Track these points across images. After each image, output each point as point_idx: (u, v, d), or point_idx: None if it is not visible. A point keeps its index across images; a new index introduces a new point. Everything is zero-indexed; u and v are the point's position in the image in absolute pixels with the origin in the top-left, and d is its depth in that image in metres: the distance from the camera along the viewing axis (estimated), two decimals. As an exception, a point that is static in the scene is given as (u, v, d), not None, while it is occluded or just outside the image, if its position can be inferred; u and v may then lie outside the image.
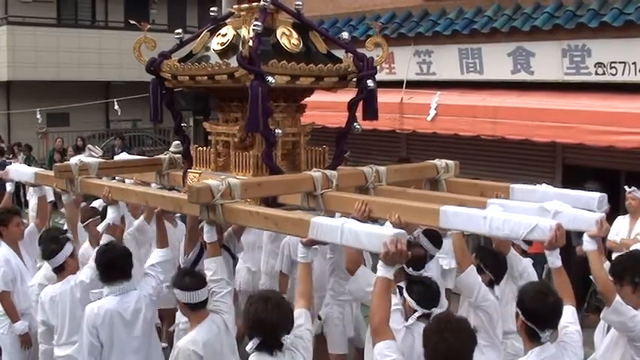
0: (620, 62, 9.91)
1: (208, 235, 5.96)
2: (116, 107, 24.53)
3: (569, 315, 5.06)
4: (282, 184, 6.03)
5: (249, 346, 4.82)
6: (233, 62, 5.91)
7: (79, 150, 20.99)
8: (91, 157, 13.51)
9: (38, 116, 25.67)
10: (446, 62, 12.07)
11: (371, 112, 6.46)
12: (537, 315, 4.81)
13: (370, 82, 6.29)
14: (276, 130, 6.10)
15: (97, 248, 6.91)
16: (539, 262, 9.82)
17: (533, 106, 10.53)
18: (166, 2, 33.73)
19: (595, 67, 10.15)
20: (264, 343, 4.78)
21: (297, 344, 4.95)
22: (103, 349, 6.30)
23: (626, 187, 9.73)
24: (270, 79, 5.76)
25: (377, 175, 6.32)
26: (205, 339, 5.81)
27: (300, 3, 6.53)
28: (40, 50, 28.37)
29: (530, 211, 5.27)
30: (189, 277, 5.95)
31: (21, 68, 28.16)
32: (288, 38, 6.29)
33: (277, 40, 6.26)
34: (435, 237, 6.99)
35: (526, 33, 10.83)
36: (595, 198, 5.91)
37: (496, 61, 11.37)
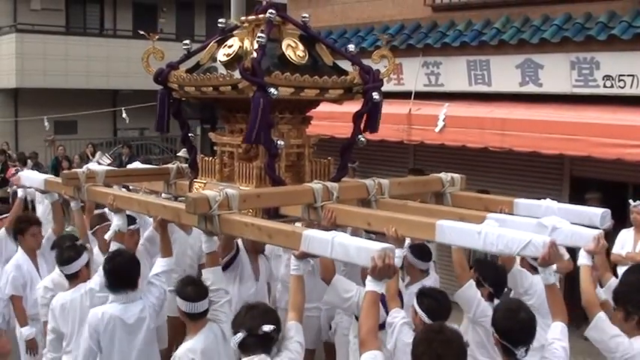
0: (628, 75, 9.90)
1: (207, 245, 5.93)
2: (124, 116, 24.54)
3: (557, 331, 5.07)
4: (281, 195, 6.04)
5: (234, 339, 4.96)
6: (238, 74, 5.90)
7: (87, 159, 20.91)
8: (99, 164, 13.53)
9: (46, 124, 25.69)
10: (454, 74, 12.04)
11: (373, 125, 6.48)
12: (509, 332, 4.86)
13: (376, 95, 6.29)
14: (279, 142, 6.11)
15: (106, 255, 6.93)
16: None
17: (541, 118, 10.49)
18: (175, 11, 33.79)
19: (603, 79, 10.13)
20: (248, 337, 4.90)
21: (285, 356, 5.02)
22: (101, 356, 6.29)
23: (630, 201, 9.69)
24: (272, 90, 5.76)
25: (379, 187, 6.32)
26: (203, 347, 5.81)
27: (307, 15, 6.57)
28: (48, 58, 28.40)
29: (528, 227, 5.29)
30: (192, 287, 5.91)
31: (29, 76, 28.19)
32: (293, 50, 6.29)
33: (283, 51, 6.26)
34: (423, 251, 7.02)
35: (535, 45, 10.81)
36: (598, 214, 5.90)
37: (504, 73, 11.34)
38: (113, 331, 6.24)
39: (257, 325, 4.90)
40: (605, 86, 10.15)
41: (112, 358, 6.29)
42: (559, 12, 10.95)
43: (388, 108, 10.59)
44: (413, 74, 12.46)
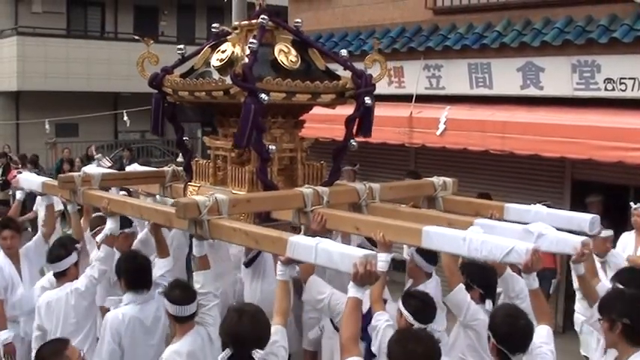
0: (629, 78, 9.89)
1: (197, 249, 5.92)
2: (125, 119, 24.55)
3: (543, 335, 5.16)
4: (271, 200, 6.06)
5: (221, 356, 4.92)
6: (230, 79, 5.87)
7: (89, 160, 20.92)
8: (99, 167, 13.50)
9: (47, 126, 25.71)
10: (455, 77, 12.03)
11: (365, 129, 6.46)
12: (508, 338, 4.90)
13: (368, 100, 6.27)
14: (270, 147, 6.10)
15: (119, 256, 7.03)
16: (545, 277, 9.62)
17: (542, 121, 10.48)
18: (176, 14, 33.87)
19: (604, 82, 10.13)
20: (235, 355, 4.87)
21: None
22: (124, 357, 6.42)
23: (631, 204, 9.63)
24: (263, 96, 5.75)
25: (370, 192, 6.34)
26: (189, 350, 5.82)
27: (300, 20, 6.58)
28: (49, 61, 28.44)
29: (515, 233, 5.33)
30: (179, 290, 5.93)
31: (30, 78, 28.26)
32: (285, 55, 6.23)
33: (275, 56, 6.23)
34: (431, 253, 6.94)
35: (536, 48, 10.80)
36: (587, 220, 5.92)
37: (505, 76, 11.33)
38: (133, 332, 6.41)
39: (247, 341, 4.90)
40: (606, 89, 10.14)
41: (135, 358, 6.45)
42: (560, 15, 10.93)
43: (389, 111, 10.48)
44: (414, 77, 12.44)
